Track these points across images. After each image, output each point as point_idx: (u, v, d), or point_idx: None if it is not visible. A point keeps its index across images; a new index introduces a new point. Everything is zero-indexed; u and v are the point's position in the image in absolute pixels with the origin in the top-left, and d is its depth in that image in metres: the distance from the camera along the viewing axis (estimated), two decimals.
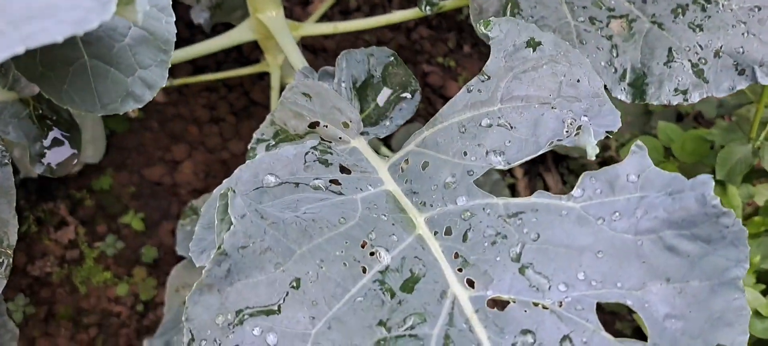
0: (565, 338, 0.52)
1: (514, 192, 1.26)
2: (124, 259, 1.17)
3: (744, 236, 0.52)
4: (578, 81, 0.65)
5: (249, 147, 0.79)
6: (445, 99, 1.36)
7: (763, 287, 0.92)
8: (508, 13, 0.79)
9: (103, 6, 0.38)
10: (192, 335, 0.51)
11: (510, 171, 1.30)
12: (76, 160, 0.78)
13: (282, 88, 1.02)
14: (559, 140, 0.62)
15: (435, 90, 1.42)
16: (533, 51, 0.68)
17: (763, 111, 0.93)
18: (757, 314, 0.88)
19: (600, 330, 0.52)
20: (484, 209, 0.61)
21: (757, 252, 0.92)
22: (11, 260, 0.68)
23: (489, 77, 0.68)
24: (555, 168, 1.31)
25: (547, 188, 1.30)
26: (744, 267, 0.53)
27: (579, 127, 0.62)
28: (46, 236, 1.16)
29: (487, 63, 0.69)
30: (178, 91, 1.30)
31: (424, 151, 0.69)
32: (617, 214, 0.56)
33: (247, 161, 0.67)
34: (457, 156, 0.66)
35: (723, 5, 0.77)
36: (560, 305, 0.54)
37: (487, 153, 0.65)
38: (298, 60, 0.97)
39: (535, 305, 0.54)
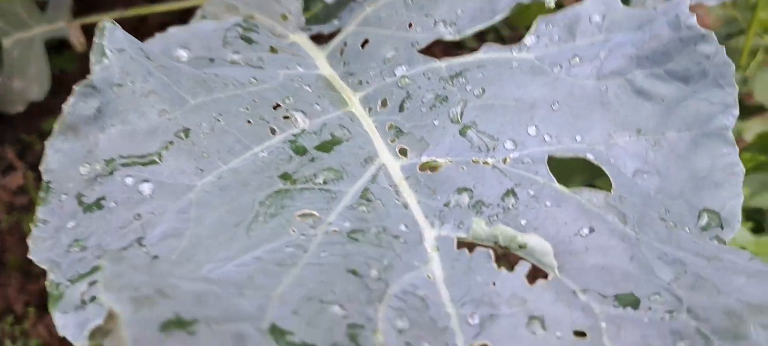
0: (509, 192, 0.42)
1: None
2: None
3: (730, 70, 0.43)
4: None
5: None
6: None
7: (751, 225, 0.82)
8: None
9: None
10: (50, 189, 0.42)
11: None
12: None
13: None
14: (518, 2, 0.53)
15: None
16: None
17: (752, 39, 0.84)
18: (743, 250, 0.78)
19: (551, 182, 0.42)
20: (424, 74, 0.52)
21: (746, 188, 0.82)
22: None
23: None
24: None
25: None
26: (733, 114, 0.44)
27: None
28: None
29: None
30: (133, 28, 1.22)
31: (365, 30, 0.60)
32: (577, 58, 0.46)
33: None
34: (401, 29, 0.57)
35: None
36: (505, 162, 0.44)
37: (435, 23, 0.55)
38: None
39: (475, 162, 0.44)
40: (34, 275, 1.02)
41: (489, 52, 0.50)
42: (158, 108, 0.44)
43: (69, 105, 0.42)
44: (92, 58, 0.44)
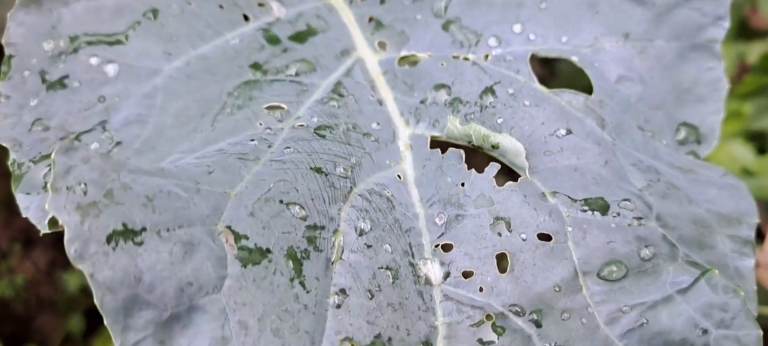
0: (488, 90, 0.41)
1: None
2: None
3: None
4: None
5: None
6: None
7: (752, 146, 0.82)
8: None
9: None
10: (12, 63, 0.40)
11: None
12: None
13: None
14: None
15: None
16: None
17: None
18: (745, 172, 0.78)
19: (532, 81, 0.41)
20: None
21: (748, 110, 0.81)
22: None
23: None
24: None
25: None
26: (723, 26, 0.42)
27: None
28: None
29: None
30: None
31: None
32: None
33: None
34: None
35: None
36: (486, 59, 0.42)
37: None
38: None
39: (455, 58, 0.43)
40: (18, 210, 1.01)
41: None
42: None
43: None
44: None
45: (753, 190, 0.78)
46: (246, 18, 0.45)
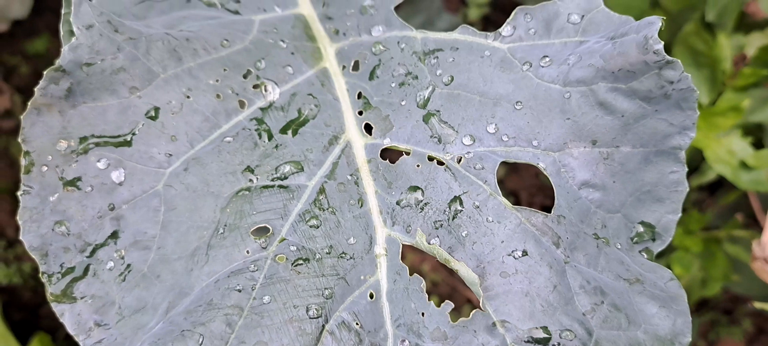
0: (456, 199, 0.44)
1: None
2: None
3: (693, 96, 0.43)
4: None
5: None
6: None
7: (751, 139, 0.83)
8: None
9: None
10: (32, 159, 0.44)
11: None
12: None
13: None
14: None
15: None
16: None
17: None
18: (743, 165, 0.80)
19: (497, 195, 0.44)
20: (399, 42, 0.51)
21: (746, 104, 0.82)
22: None
23: None
24: None
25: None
26: (689, 136, 0.44)
27: None
28: None
29: None
30: None
31: None
32: (547, 59, 0.46)
33: None
34: None
35: None
36: (459, 161, 0.46)
37: None
38: None
39: (431, 159, 0.46)
40: None
41: (465, 34, 0.49)
42: (128, 86, 0.45)
43: (40, 88, 0.43)
44: (61, 32, 0.45)
45: (750, 183, 0.81)
46: (241, 104, 0.48)
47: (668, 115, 0.44)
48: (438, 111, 0.48)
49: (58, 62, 0.43)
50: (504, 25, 0.48)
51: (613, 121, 0.45)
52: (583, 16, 0.46)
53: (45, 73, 0.43)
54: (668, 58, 0.41)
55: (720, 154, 0.90)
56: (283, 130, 0.48)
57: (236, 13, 0.54)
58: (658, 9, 0.91)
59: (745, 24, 0.89)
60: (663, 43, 0.41)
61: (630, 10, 0.92)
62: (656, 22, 0.41)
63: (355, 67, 0.52)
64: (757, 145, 0.89)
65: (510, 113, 0.46)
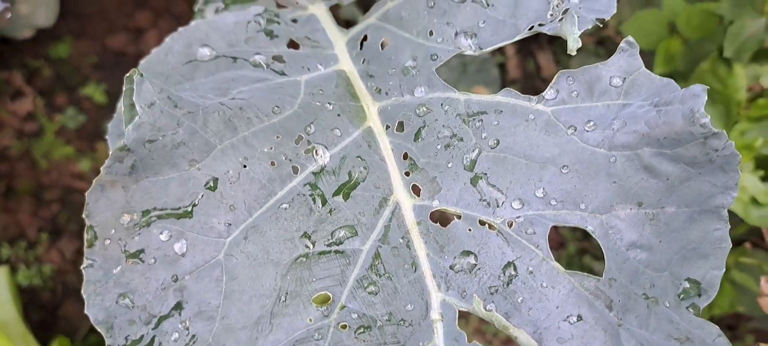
0: (510, 264, 0.46)
1: (503, 72, 1.15)
2: (87, 133, 1.12)
3: (736, 160, 0.44)
4: None
5: (195, 9, 0.70)
6: None
7: (762, 173, 0.85)
8: None
9: None
10: (95, 233, 0.46)
11: (501, 49, 1.18)
12: (9, 15, 0.69)
13: None
14: (540, 25, 0.52)
15: None
16: None
17: None
18: (754, 201, 0.81)
19: (549, 259, 0.46)
20: (442, 104, 0.53)
21: (759, 135, 0.83)
22: None
23: None
24: (549, 46, 1.19)
25: (538, 69, 1.18)
26: (732, 195, 0.46)
27: (565, 10, 0.51)
28: (2, 108, 1.10)
29: None
30: None
31: (386, 26, 0.59)
32: (592, 123, 0.47)
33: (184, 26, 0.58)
34: (422, 36, 0.57)
35: None
36: (510, 226, 0.47)
37: (456, 34, 0.55)
38: None
39: (482, 224, 0.48)
40: (45, 201, 1.08)
41: (508, 97, 0.50)
42: (188, 158, 0.47)
43: (105, 166, 0.45)
44: (123, 108, 0.46)
45: (760, 219, 0.83)
46: (295, 170, 0.50)
47: (711, 178, 0.45)
48: (485, 174, 0.49)
49: (122, 141, 0.45)
50: (547, 88, 0.49)
51: (658, 183, 0.46)
52: (624, 78, 0.48)
53: (111, 153, 0.45)
54: (714, 130, 0.43)
55: None
56: (336, 194, 0.49)
57: (282, 73, 0.56)
58: (676, 35, 0.93)
59: (761, 53, 0.90)
60: (704, 104, 0.42)
61: (649, 37, 0.94)
62: (701, 94, 0.43)
63: (400, 127, 0.54)
64: (767, 177, 0.90)
65: (557, 177, 0.48)
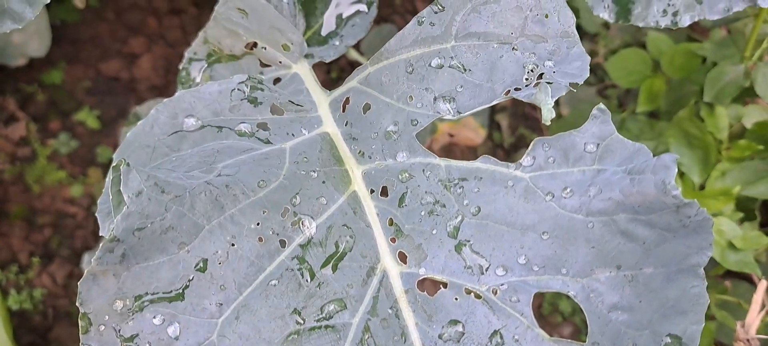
0: (496, 333, 0.47)
1: None
2: (79, 158, 1.12)
3: (709, 224, 0.46)
4: (546, 16, 0.55)
5: (180, 67, 0.71)
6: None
7: (741, 215, 0.86)
8: None
9: None
10: (89, 319, 0.47)
11: None
12: None
13: None
14: (516, 89, 0.54)
15: None
16: None
17: (759, 28, 0.82)
18: (731, 246, 0.83)
19: (534, 326, 0.47)
20: (424, 170, 0.54)
21: (739, 179, 0.85)
22: None
23: (443, 8, 0.58)
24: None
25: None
26: (707, 254, 0.47)
27: (540, 76, 0.53)
28: None
29: None
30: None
31: (367, 91, 0.60)
32: (569, 190, 0.49)
33: (170, 96, 0.59)
34: (402, 100, 0.58)
35: None
36: (495, 293, 0.49)
37: (435, 99, 0.56)
38: None
39: (468, 292, 0.49)
40: (37, 225, 1.09)
41: (487, 163, 0.52)
42: (177, 242, 0.48)
43: (96, 258, 0.45)
44: (110, 190, 0.47)
45: (736, 264, 0.84)
46: (282, 243, 0.51)
47: (686, 240, 0.47)
48: (468, 241, 0.51)
49: (111, 232, 0.46)
50: (524, 155, 0.51)
51: (635, 247, 0.48)
52: (598, 144, 0.49)
53: (101, 244, 0.46)
54: (685, 201, 0.45)
55: None
56: (324, 266, 0.50)
57: (267, 141, 0.57)
58: (660, 73, 0.95)
59: (744, 91, 0.90)
60: (676, 170, 0.44)
61: (632, 75, 0.95)
62: (671, 166, 0.45)
63: (384, 192, 0.55)
64: (747, 218, 0.90)
65: (538, 243, 0.49)
